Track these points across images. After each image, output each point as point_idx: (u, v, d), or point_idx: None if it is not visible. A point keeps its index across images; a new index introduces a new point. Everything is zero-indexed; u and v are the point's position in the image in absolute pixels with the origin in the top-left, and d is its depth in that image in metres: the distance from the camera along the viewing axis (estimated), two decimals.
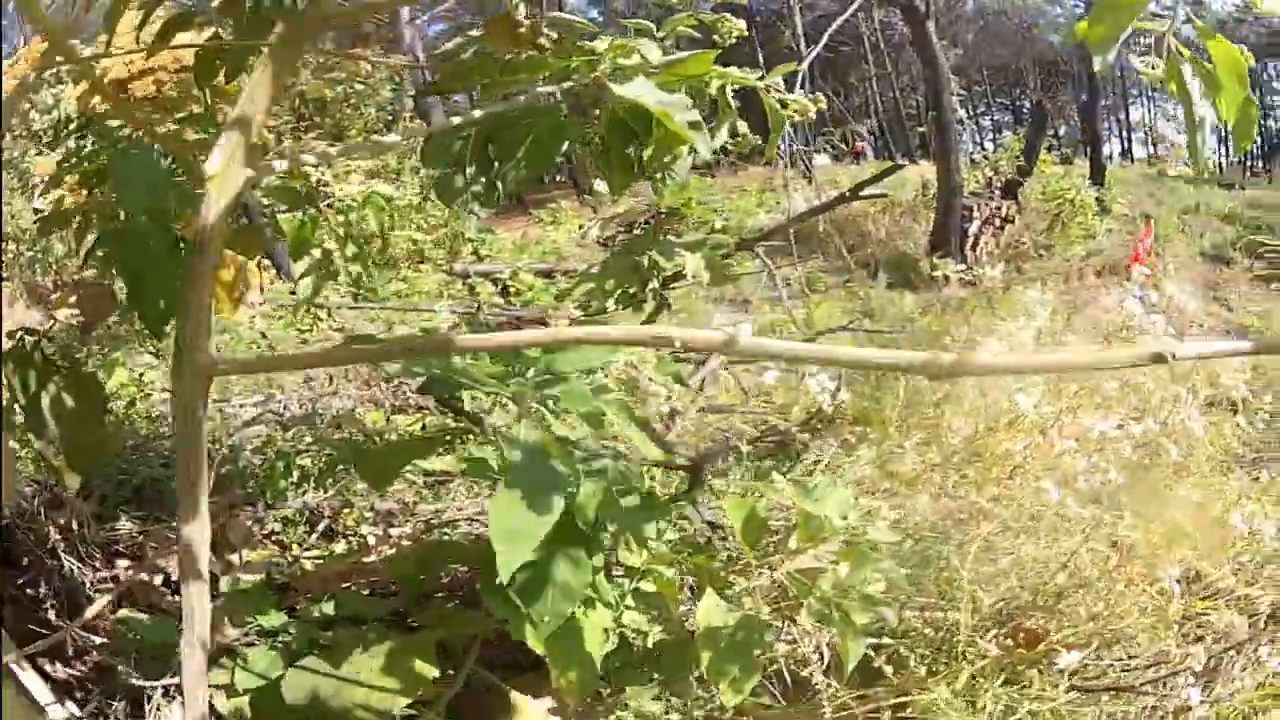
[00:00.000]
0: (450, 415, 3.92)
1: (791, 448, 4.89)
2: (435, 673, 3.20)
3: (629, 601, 3.42)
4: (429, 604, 3.79)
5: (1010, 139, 25.47)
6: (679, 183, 3.27)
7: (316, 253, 3.74)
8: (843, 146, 25.89)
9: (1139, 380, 4.31)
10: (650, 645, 3.52)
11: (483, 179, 3.06)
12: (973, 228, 15.94)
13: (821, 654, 3.27)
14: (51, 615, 3.92)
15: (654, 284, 4.72)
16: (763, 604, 3.26)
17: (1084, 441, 3.89)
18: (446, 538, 4.61)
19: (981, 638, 3.32)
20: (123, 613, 3.91)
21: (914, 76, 30.17)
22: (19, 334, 3.18)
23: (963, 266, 11.09)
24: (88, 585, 4.11)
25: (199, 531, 2.36)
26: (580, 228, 16.37)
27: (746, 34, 3.14)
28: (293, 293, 4.26)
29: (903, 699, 3.24)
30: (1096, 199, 21.17)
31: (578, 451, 2.84)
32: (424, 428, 5.68)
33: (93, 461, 3.39)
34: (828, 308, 9.89)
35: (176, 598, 4.00)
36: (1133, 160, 45.97)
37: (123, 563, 4.36)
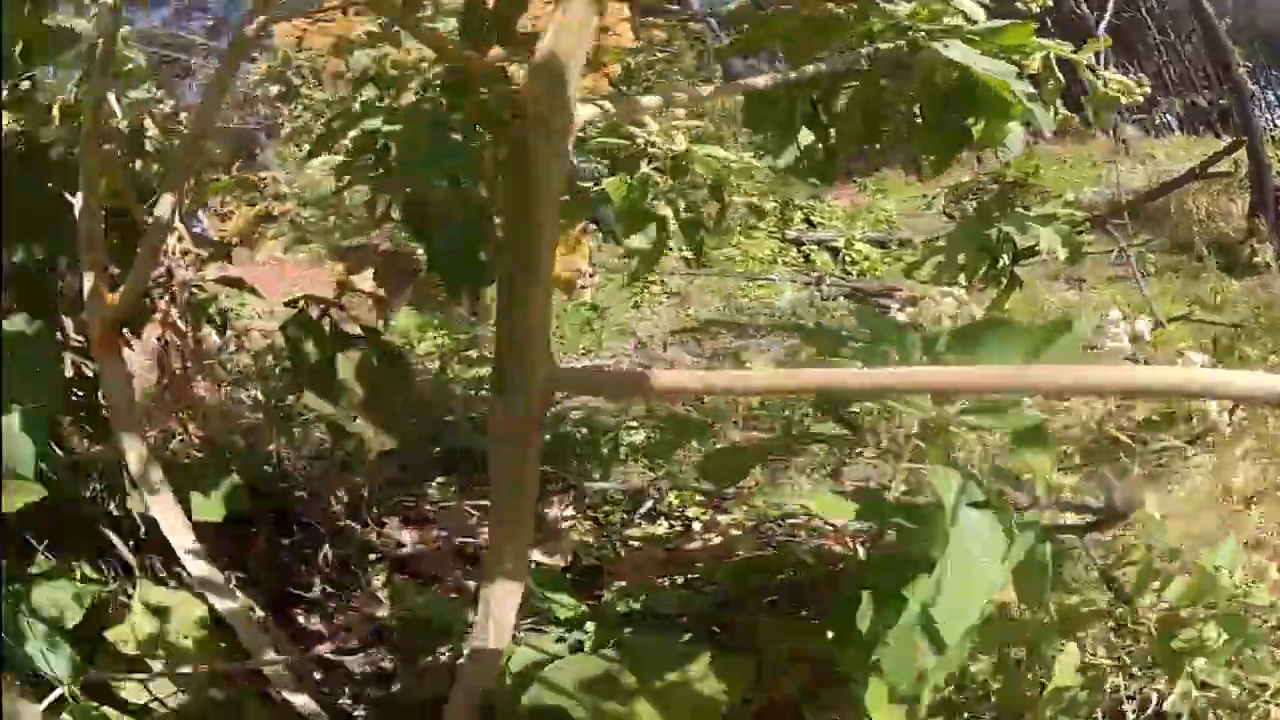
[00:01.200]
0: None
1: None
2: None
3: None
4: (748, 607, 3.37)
5: None
6: (1014, 157, 2.89)
7: (651, 223, 3.41)
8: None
9: None
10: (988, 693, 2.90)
11: (820, 146, 2.79)
12: None
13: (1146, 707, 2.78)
14: (316, 582, 3.88)
15: (1005, 260, 4.36)
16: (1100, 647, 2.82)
17: None
18: (780, 532, 4.15)
19: None
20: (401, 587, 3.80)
21: (1197, 46, 28.67)
22: (300, 301, 3.10)
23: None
24: (366, 553, 4.05)
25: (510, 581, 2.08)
26: (923, 197, 15.89)
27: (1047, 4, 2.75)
28: (624, 256, 3.98)
29: None
30: None
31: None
32: (762, 404, 5.38)
33: (395, 428, 3.24)
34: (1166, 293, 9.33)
35: (460, 573, 3.98)
36: None
37: (410, 533, 4.26)
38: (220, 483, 3.17)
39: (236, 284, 3.45)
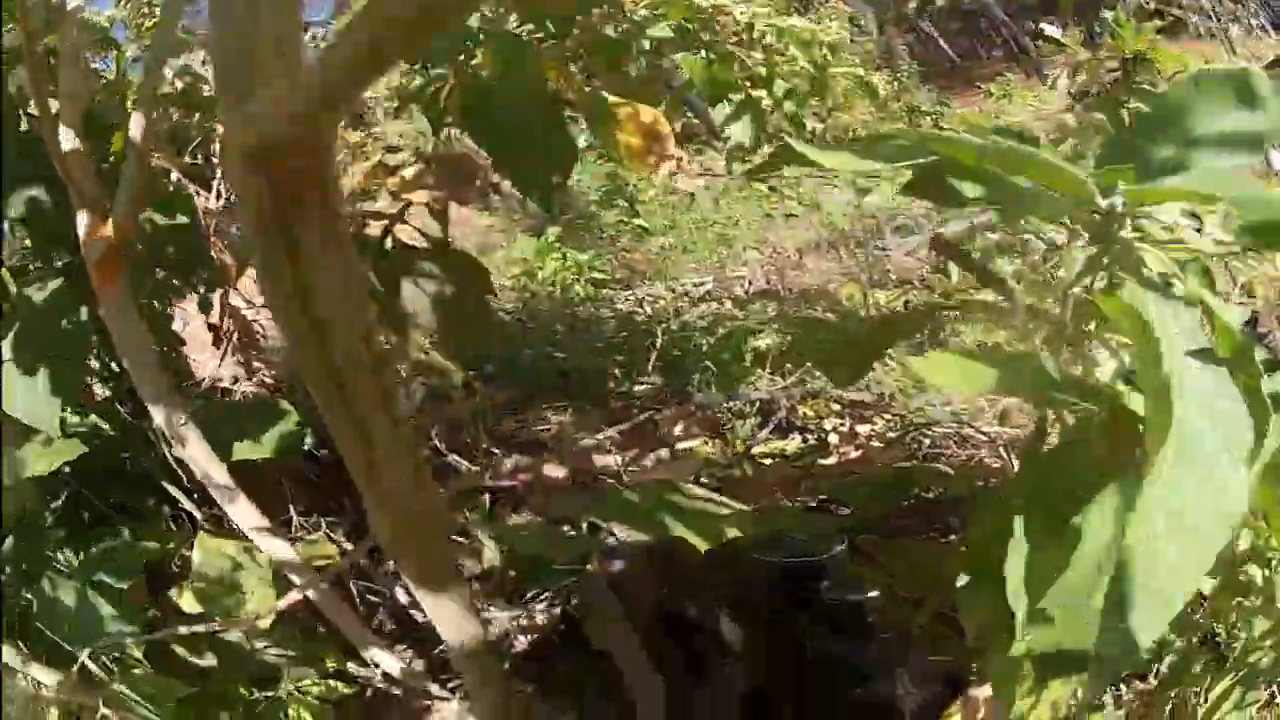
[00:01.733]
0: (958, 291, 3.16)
1: None
2: None
3: None
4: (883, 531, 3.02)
5: None
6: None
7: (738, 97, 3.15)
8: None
9: None
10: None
11: None
12: None
13: None
14: None
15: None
16: None
17: None
18: (927, 444, 3.74)
19: None
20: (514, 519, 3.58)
21: None
22: (357, 218, 2.82)
23: None
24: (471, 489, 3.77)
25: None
26: (1036, 97, 15.48)
27: None
28: (730, 150, 3.64)
29: None
30: None
31: None
32: (906, 305, 4.99)
33: (479, 351, 2.88)
34: None
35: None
36: None
37: (517, 459, 3.94)
38: (272, 417, 2.97)
39: None
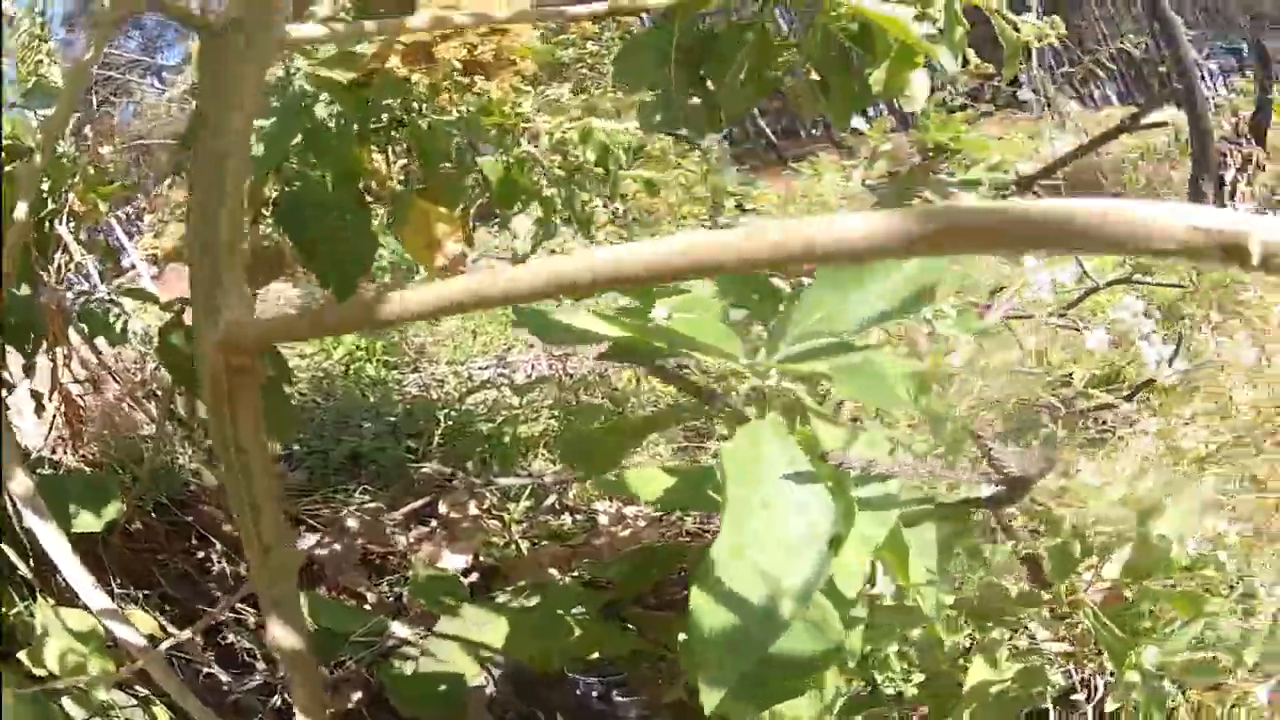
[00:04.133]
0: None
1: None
2: None
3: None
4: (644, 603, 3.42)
5: (1242, 82, 24.38)
6: (919, 108, 2.88)
7: (534, 204, 3.41)
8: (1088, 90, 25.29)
9: None
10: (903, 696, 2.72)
11: (697, 101, 2.72)
12: (1229, 175, 15.27)
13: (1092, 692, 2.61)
14: (213, 587, 3.97)
15: None
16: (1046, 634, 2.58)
17: None
18: (691, 523, 4.10)
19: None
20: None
21: (1136, 17, 29.21)
22: (176, 304, 3.08)
23: None
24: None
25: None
26: (844, 175, 16.04)
27: None
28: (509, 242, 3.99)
29: None
30: None
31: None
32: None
33: (284, 434, 3.35)
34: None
35: (368, 582, 4.07)
36: None
37: (313, 538, 4.25)
38: (104, 493, 3.15)
39: (139, 295, 3.47)
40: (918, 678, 2.64)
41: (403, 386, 6.30)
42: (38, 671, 2.81)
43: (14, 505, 2.54)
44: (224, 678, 3.51)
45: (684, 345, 1.88)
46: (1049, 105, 19.01)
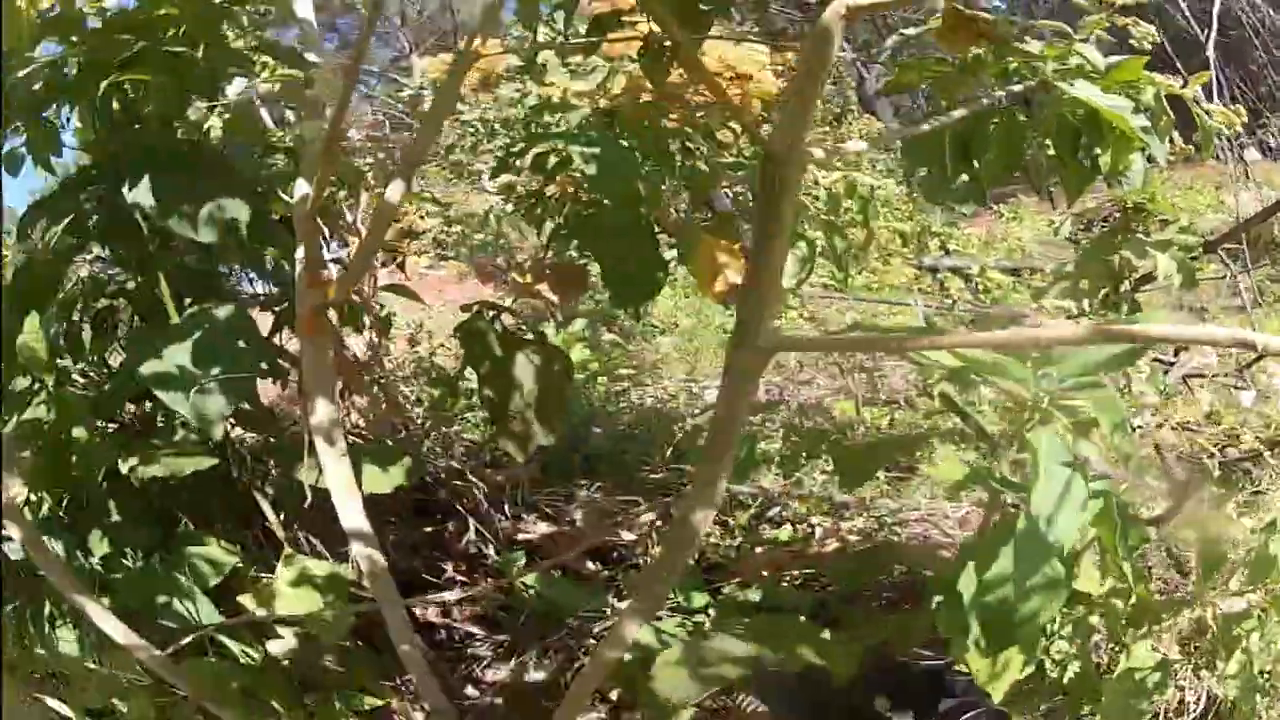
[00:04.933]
0: (938, 413, 3.92)
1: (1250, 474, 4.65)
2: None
3: (1064, 630, 3.07)
4: (859, 604, 3.80)
5: None
6: (1135, 186, 3.25)
7: (802, 244, 3.77)
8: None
9: None
10: (1064, 679, 3.12)
11: (964, 176, 3.13)
12: None
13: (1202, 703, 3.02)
14: (448, 565, 4.34)
15: (1126, 285, 4.67)
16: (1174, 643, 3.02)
17: None
18: (896, 537, 4.55)
19: None
20: (532, 576, 4.16)
21: None
22: (476, 306, 3.49)
23: None
24: (503, 541, 4.50)
25: (702, 503, 2.42)
26: (1051, 224, 16.05)
27: (1158, 38, 3.09)
28: None
29: None
30: None
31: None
32: (891, 422, 5.71)
33: (559, 422, 3.63)
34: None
35: (594, 565, 4.44)
36: None
37: (544, 525, 4.67)
38: (395, 459, 3.61)
39: (401, 290, 3.88)
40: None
41: (635, 400, 6.62)
42: (258, 611, 3.18)
43: (309, 437, 2.97)
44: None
45: (995, 373, 2.60)
46: (1238, 154, 18.66)
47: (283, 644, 3.30)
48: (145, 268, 3.35)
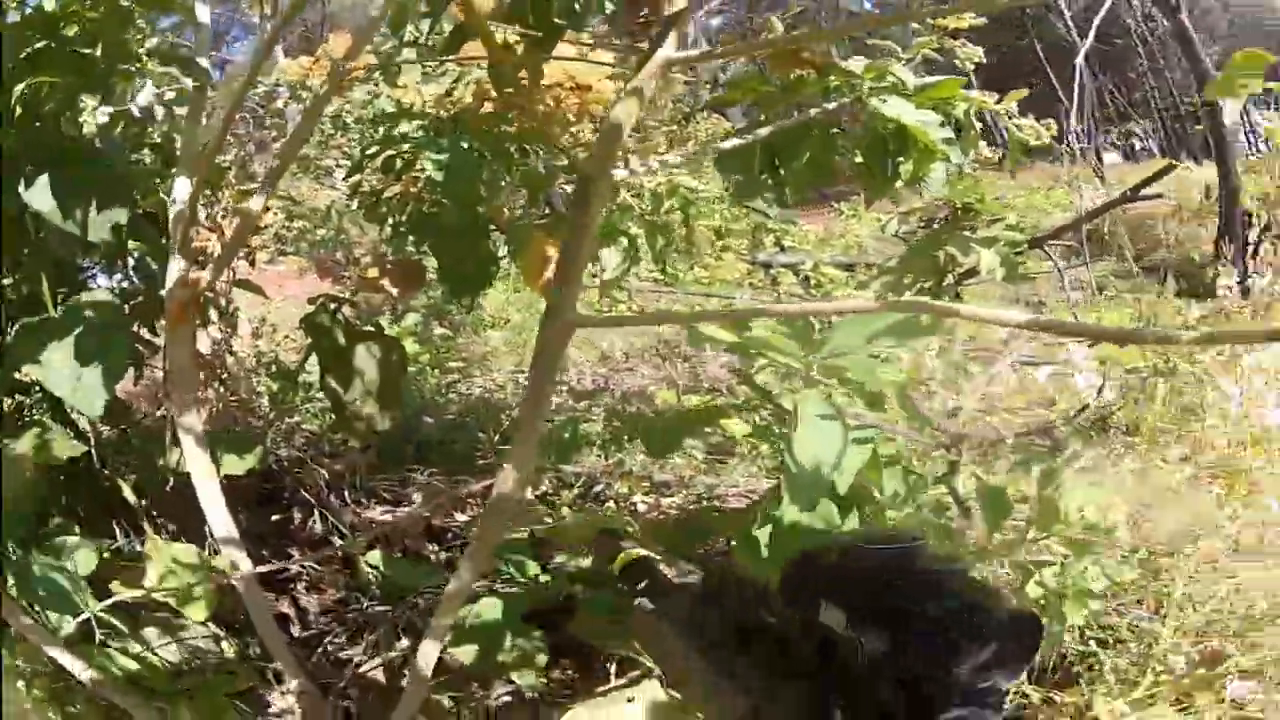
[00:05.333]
0: (738, 390, 4.18)
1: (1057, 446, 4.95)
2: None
3: None
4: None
5: None
6: (935, 192, 3.54)
7: (623, 240, 4.04)
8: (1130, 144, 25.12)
9: None
10: None
11: (772, 183, 3.41)
12: (1252, 235, 15.28)
13: None
14: (295, 551, 4.51)
15: (950, 279, 4.93)
16: None
17: None
18: (717, 512, 4.75)
19: (1173, 653, 3.41)
20: (374, 554, 4.40)
21: (1185, 72, 28.83)
22: (320, 300, 3.76)
23: (1239, 276, 10.81)
24: (346, 526, 4.70)
25: (519, 462, 2.68)
26: (879, 221, 16.46)
27: (983, 60, 3.42)
28: (594, 275, 4.59)
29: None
30: None
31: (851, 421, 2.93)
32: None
33: (397, 409, 3.91)
34: (1116, 315, 9.76)
35: (432, 546, 4.68)
36: None
37: (381, 509, 4.92)
38: (249, 447, 3.79)
39: (246, 285, 4.04)
40: None
41: (465, 391, 6.86)
42: (127, 595, 3.25)
43: (173, 437, 3.23)
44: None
45: (765, 348, 3.00)
46: (1084, 157, 19.19)
47: (155, 630, 3.48)
48: (22, 265, 3.45)
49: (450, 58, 3.46)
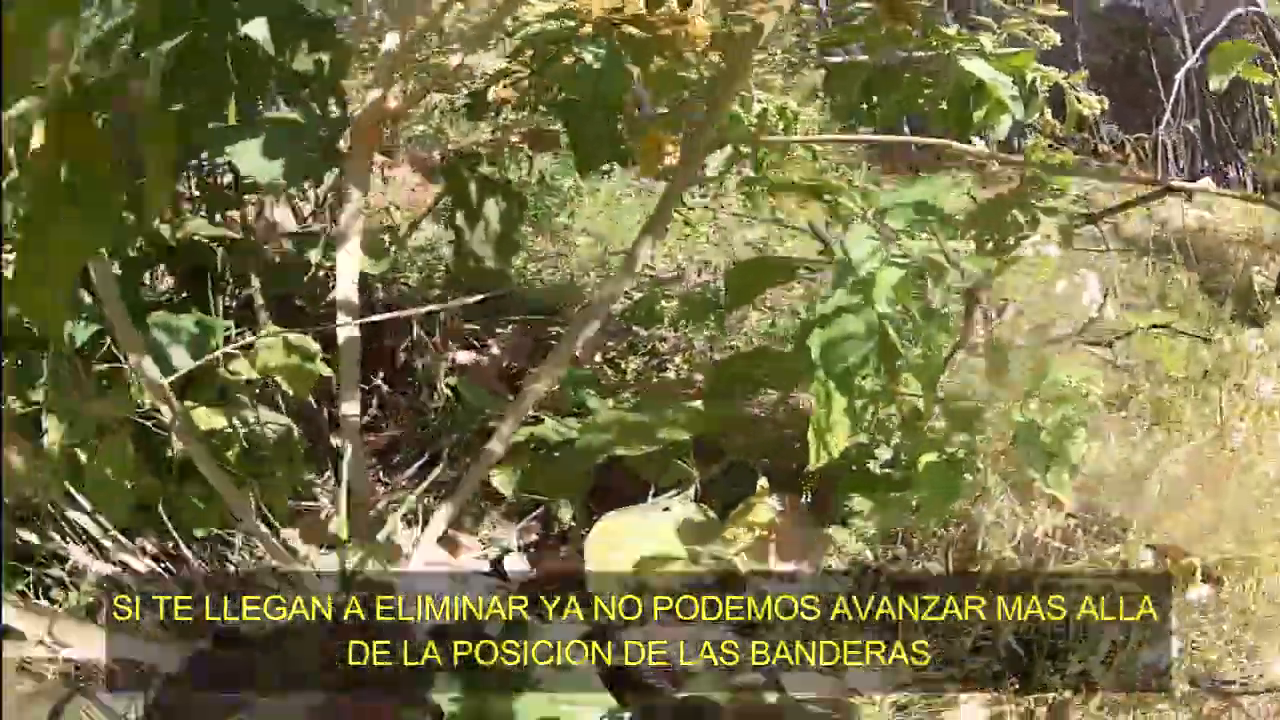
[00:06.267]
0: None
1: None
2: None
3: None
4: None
5: None
6: (1001, 138, 4.18)
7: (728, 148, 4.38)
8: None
9: None
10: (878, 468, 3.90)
11: (864, 108, 4.12)
12: None
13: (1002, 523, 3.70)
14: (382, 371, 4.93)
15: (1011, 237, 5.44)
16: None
17: None
18: None
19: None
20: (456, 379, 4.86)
21: None
22: (449, 154, 4.27)
23: None
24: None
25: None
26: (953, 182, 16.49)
27: (1059, 43, 4.05)
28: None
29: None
30: None
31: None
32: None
33: (511, 258, 4.45)
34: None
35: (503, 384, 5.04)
36: None
37: (465, 354, 5.32)
38: (381, 252, 4.47)
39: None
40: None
41: (547, 275, 7.04)
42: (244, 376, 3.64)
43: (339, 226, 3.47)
44: None
45: (832, 191, 3.52)
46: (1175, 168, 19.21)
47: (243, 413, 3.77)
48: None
49: None
